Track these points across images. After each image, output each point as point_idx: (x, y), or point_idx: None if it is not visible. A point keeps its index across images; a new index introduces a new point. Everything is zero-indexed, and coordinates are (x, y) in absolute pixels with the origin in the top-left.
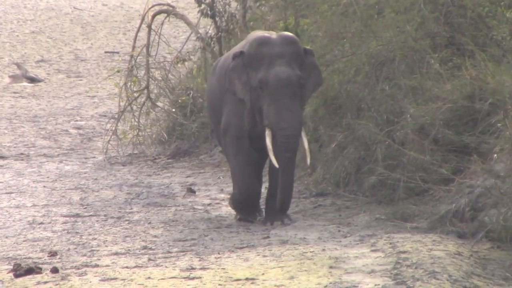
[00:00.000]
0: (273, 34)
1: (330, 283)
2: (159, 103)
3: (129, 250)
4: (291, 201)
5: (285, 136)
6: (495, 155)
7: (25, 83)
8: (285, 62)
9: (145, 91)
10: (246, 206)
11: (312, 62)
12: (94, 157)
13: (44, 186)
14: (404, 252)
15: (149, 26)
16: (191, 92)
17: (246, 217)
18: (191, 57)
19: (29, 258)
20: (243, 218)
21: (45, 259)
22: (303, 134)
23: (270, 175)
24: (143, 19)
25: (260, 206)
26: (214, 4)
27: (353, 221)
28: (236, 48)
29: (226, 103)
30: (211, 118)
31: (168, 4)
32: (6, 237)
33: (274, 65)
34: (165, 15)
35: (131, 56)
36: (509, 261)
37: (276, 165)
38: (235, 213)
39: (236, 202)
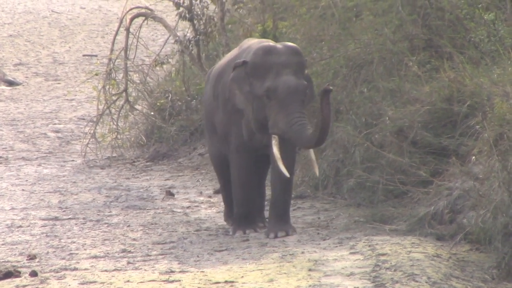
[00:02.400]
0: (276, 43)
1: (309, 285)
2: (137, 106)
3: (108, 253)
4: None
5: (300, 125)
6: (474, 157)
7: (3, 87)
8: (291, 71)
9: (124, 94)
10: (244, 217)
11: (308, 74)
12: (73, 160)
13: (23, 190)
14: (383, 254)
15: (127, 29)
16: (170, 95)
17: (245, 228)
18: (170, 60)
19: (8, 261)
20: (239, 231)
21: (24, 263)
22: None
23: (272, 185)
24: (121, 22)
25: (265, 216)
26: (192, 7)
27: (332, 223)
28: (229, 56)
29: (220, 111)
30: (206, 126)
31: (146, 7)
32: None
33: (282, 74)
34: (143, 18)
35: (110, 59)
36: (488, 263)
37: (287, 174)
38: (230, 227)
39: (236, 214)
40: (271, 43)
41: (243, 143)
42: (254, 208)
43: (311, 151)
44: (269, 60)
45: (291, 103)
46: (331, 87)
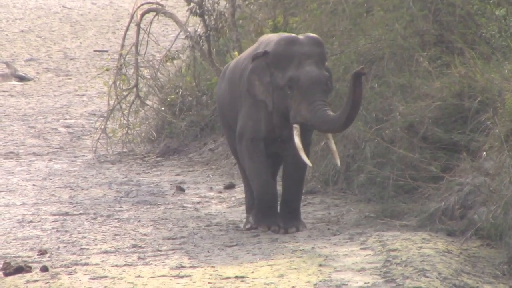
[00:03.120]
0: (297, 35)
1: (320, 281)
2: (148, 102)
3: (118, 248)
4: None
5: (321, 115)
6: (484, 153)
7: (14, 82)
8: (314, 62)
9: (134, 89)
10: (266, 210)
11: (327, 67)
12: (84, 155)
13: (34, 185)
14: (393, 250)
15: (138, 25)
16: (180, 90)
17: (267, 224)
18: (180, 55)
19: (19, 256)
20: (263, 226)
21: (34, 258)
22: (330, 136)
23: (284, 181)
24: (132, 17)
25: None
26: (203, 3)
27: (342, 219)
28: (248, 52)
29: (241, 107)
30: (222, 123)
31: (157, 3)
32: None
33: (304, 64)
34: (154, 13)
35: (120, 55)
36: (499, 258)
37: (309, 163)
38: (249, 220)
39: (257, 207)
40: (293, 34)
41: (260, 135)
42: (275, 201)
43: (333, 142)
44: (292, 50)
45: (314, 93)
46: (365, 70)
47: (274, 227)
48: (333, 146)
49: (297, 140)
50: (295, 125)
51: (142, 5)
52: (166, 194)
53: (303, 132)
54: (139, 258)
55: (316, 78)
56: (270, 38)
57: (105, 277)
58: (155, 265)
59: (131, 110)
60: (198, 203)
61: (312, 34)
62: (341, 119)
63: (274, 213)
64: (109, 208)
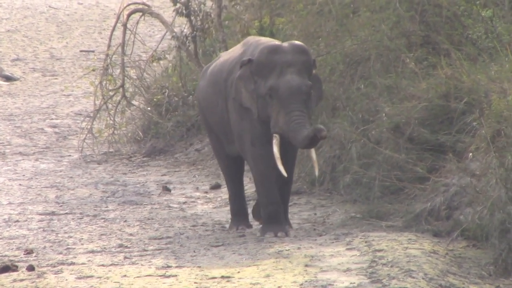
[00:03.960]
0: (282, 42)
1: (306, 281)
2: (134, 102)
3: (105, 248)
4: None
5: (297, 123)
6: (471, 154)
7: (0, 82)
8: (296, 71)
9: (121, 89)
10: (275, 216)
11: (316, 74)
12: (70, 155)
13: (20, 184)
14: (379, 250)
15: (125, 25)
16: (167, 90)
17: (277, 230)
18: (166, 56)
19: (5, 256)
20: (274, 232)
21: (21, 257)
22: None
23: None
24: (118, 18)
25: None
26: (189, 3)
27: (328, 219)
28: (231, 53)
29: (231, 112)
30: (204, 124)
31: (144, 3)
32: None
33: (285, 73)
34: (141, 14)
35: (107, 55)
36: (485, 259)
37: (284, 173)
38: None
39: (266, 214)
40: (276, 41)
41: (258, 137)
42: (280, 205)
43: (313, 150)
44: (274, 59)
45: (292, 102)
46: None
47: (281, 232)
48: (313, 155)
49: (275, 149)
50: (274, 134)
51: (128, 5)
52: (152, 194)
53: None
54: (125, 257)
55: (295, 87)
56: (258, 42)
57: (91, 276)
58: (141, 265)
59: (117, 110)
60: (184, 203)
61: (296, 42)
62: (306, 139)
63: (281, 219)
64: (95, 208)
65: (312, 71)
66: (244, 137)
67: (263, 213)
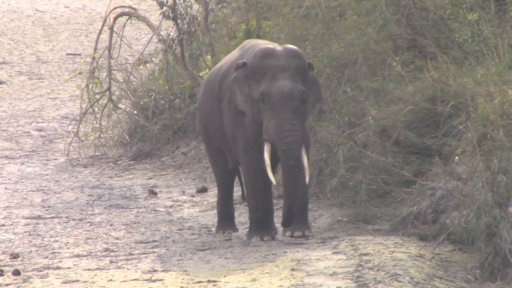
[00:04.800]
0: (276, 46)
1: (292, 285)
2: (120, 105)
3: (90, 252)
4: (298, 210)
5: (287, 144)
6: (457, 157)
7: None
8: (289, 75)
9: (107, 93)
10: (261, 222)
11: (313, 77)
12: (56, 159)
13: (6, 188)
14: (366, 254)
15: (111, 28)
16: (153, 94)
17: (263, 234)
18: (153, 59)
19: None
20: (260, 236)
21: (6, 261)
22: (302, 151)
23: (284, 187)
24: (105, 21)
25: (275, 224)
26: (176, 7)
27: (315, 223)
28: (230, 57)
29: (225, 115)
30: (203, 132)
31: (130, 7)
32: None
33: (278, 78)
34: (127, 17)
35: (93, 58)
36: (471, 263)
37: (273, 181)
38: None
39: (254, 219)
40: (271, 45)
41: (251, 143)
42: (270, 211)
43: (305, 157)
44: (267, 64)
45: (284, 111)
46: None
47: (267, 237)
48: (305, 162)
49: (266, 156)
50: (266, 142)
51: (115, 8)
52: (139, 198)
53: None
54: (111, 262)
55: (287, 93)
56: (254, 46)
57: (77, 281)
58: (127, 269)
59: (103, 113)
60: (171, 206)
61: (290, 46)
62: (289, 170)
63: (268, 224)
64: (81, 212)
65: (308, 75)
66: (238, 142)
67: (251, 218)
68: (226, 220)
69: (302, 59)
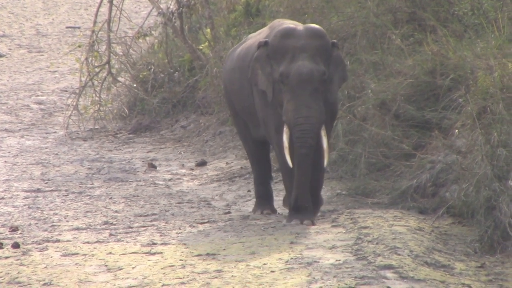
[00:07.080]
0: (299, 26)
1: (291, 258)
2: (120, 78)
3: (90, 225)
4: (307, 198)
5: (301, 131)
6: (456, 130)
7: None
8: (309, 56)
9: (106, 66)
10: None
11: (338, 56)
12: (55, 132)
13: (5, 161)
14: (365, 227)
15: (111, 1)
16: (152, 67)
17: (304, 218)
18: (152, 32)
19: None
20: (301, 218)
21: (6, 234)
22: (322, 133)
23: (294, 175)
24: None
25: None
26: None
27: None
28: (256, 35)
29: (256, 96)
30: (230, 106)
31: None
32: None
33: (297, 59)
34: None
35: (92, 31)
36: (470, 236)
37: (290, 164)
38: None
39: (293, 202)
40: (292, 25)
41: (282, 124)
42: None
43: (324, 139)
44: (286, 44)
45: (302, 93)
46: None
47: (307, 220)
48: (325, 144)
49: (284, 138)
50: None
51: None
52: (138, 171)
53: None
54: (110, 235)
55: (306, 74)
56: (280, 25)
57: (77, 254)
58: (127, 242)
59: (103, 86)
60: (170, 180)
61: (313, 26)
62: (302, 158)
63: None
64: (80, 185)
65: (330, 56)
66: (269, 124)
67: (289, 201)
68: (263, 199)
69: (324, 38)
